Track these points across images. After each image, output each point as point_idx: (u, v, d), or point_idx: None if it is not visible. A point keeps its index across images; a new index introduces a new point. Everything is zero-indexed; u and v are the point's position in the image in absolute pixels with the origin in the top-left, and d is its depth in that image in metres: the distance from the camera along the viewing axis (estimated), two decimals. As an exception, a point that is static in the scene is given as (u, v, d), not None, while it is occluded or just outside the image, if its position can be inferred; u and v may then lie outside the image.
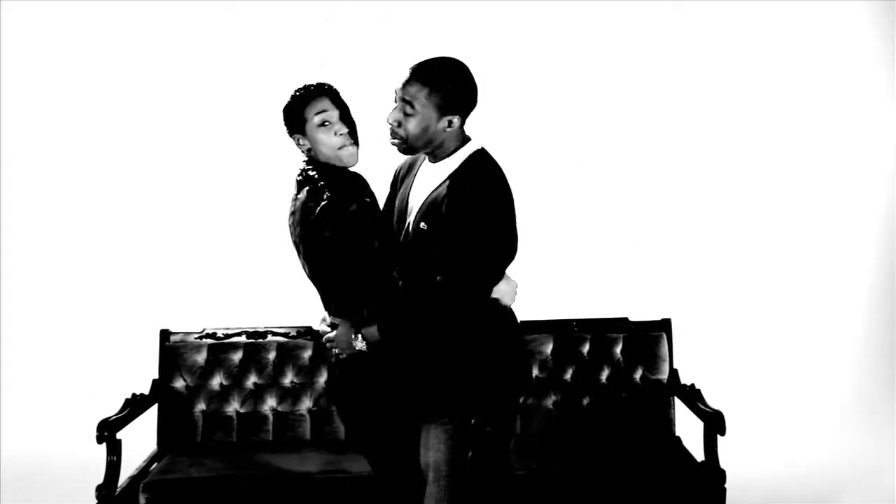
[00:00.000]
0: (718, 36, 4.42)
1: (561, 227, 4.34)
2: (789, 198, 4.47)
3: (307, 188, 2.26)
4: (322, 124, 2.27)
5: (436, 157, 2.33)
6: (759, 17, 4.40)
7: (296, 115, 2.31)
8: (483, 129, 2.43)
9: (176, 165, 4.45)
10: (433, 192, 2.29)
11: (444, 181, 2.28)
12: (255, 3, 4.38)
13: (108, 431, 3.12)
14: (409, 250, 2.30)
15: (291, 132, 2.35)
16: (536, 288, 3.43)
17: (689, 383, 3.47)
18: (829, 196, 4.48)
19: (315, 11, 4.36)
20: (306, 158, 2.35)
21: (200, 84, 4.40)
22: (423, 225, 2.25)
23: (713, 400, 3.38)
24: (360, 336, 2.23)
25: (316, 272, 2.29)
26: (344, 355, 2.29)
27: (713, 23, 4.41)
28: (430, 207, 2.26)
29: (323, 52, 4.25)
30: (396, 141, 2.29)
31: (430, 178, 2.34)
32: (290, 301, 3.78)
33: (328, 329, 2.32)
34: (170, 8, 4.37)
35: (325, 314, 2.38)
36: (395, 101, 2.27)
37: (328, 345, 2.32)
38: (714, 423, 3.17)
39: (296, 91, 2.35)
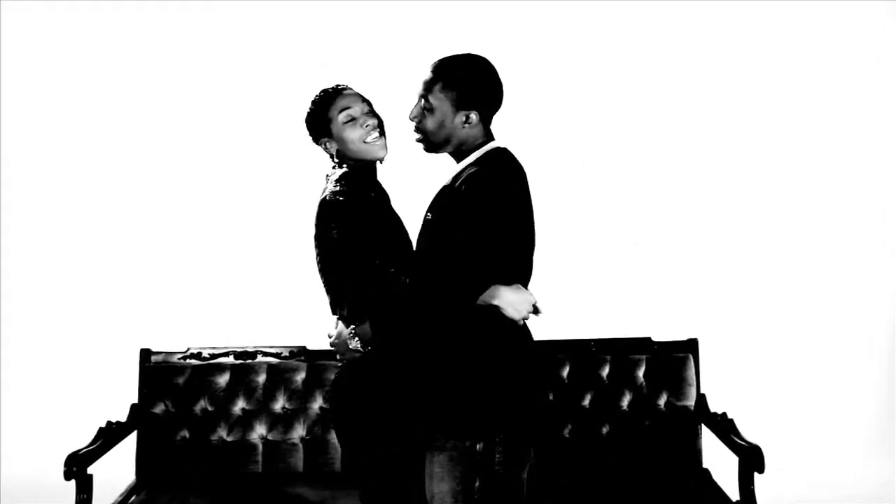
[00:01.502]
0: (723, 34, 4.20)
1: (577, 237, 4.07)
2: (812, 211, 4.22)
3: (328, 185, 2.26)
4: (348, 121, 2.25)
5: (458, 159, 2.30)
6: (762, 15, 4.20)
7: (319, 118, 2.29)
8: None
9: (168, 171, 4.27)
10: (445, 183, 2.27)
11: (456, 173, 2.26)
12: (255, 4, 4.24)
13: (77, 467, 2.84)
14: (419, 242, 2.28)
15: (318, 138, 2.32)
16: (551, 304, 3.16)
17: (719, 411, 3.18)
18: (850, 204, 4.23)
19: (315, 11, 4.24)
20: (336, 162, 2.31)
21: (199, 87, 4.26)
22: (428, 215, 2.25)
23: (743, 427, 3.09)
24: (355, 336, 2.16)
25: (320, 267, 2.25)
26: (344, 359, 2.21)
27: (716, 20, 4.20)
28: (436, 197, 2.27)
29: (323, 52, 4.14)
30: (419, 136, 2.29)
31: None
32: (283, 319, 3.53)
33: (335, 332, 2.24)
34: (170, 8, 4.24)
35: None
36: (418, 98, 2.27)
37: (333, 348, 2.25)
38: (751, 459, 2.87)
39: (315, 97, 2.32)
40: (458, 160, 2.28)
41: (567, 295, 3.83)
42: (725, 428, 3.09)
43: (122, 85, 4.26)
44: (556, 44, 4.20)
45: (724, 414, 3.14)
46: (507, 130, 2.40)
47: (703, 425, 3.25)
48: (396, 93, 2.56)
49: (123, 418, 3.23)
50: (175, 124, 4.25)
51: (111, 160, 4.29)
